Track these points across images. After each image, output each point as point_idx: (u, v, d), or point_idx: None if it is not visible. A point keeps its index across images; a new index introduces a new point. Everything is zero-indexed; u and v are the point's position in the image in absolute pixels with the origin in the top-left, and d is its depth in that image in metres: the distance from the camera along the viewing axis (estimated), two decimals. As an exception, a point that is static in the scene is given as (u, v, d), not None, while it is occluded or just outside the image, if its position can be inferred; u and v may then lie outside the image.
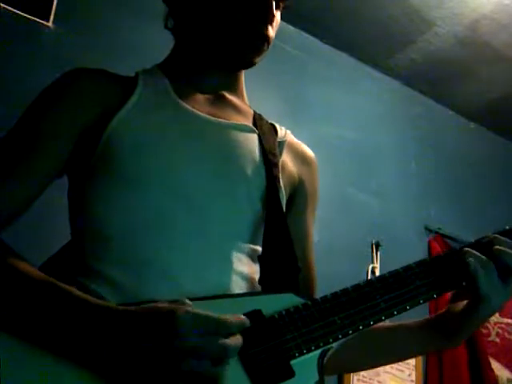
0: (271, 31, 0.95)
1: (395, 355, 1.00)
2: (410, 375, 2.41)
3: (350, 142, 2.74)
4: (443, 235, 2.81)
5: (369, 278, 2.50)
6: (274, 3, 0.93)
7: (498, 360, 2.66)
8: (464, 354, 2.55)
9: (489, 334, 2.72)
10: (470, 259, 0.81)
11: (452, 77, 2.97)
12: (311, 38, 2.79)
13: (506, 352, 2.71)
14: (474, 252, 0.82)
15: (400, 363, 2.37)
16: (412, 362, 2.43)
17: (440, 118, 3.15)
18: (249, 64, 0.97)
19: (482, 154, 3.21)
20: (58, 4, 2.09)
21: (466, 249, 0.83)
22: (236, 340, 0.68)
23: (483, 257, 0.82)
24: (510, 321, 2.80)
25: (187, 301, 0.68)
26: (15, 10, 2.01)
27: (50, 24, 2.07)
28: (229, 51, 0.95)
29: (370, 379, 2.29)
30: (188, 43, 0.99)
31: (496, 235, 0.85)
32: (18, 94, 1.91)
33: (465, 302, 0.88)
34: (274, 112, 2.56)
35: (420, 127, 3.03)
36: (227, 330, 0.67)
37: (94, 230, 0.83)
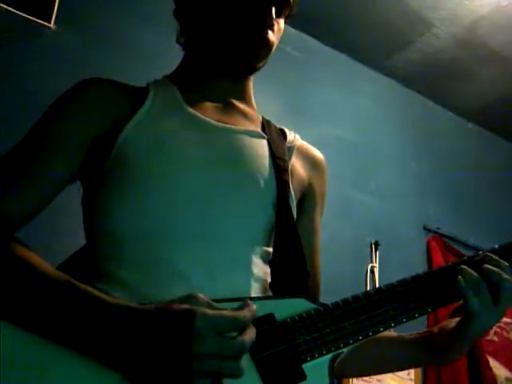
0: (272, 36, 0.96)
1: (384, 367, 1.01)
2: (408, 374, 2.42)
3: (349, 143, 2.76)
4: (442, 235, 2.83)
5: (368, 277, 2.51)
6: (273, 9, 0.95)
7: (497, 359, 2.67)
8: (463, 353, 2.56)
9: (487, 333, 2.73)
10: (459, 277, 0.83)
11: (450, 78, 2.98)
12: (311, 40, 2.81)
13: (505, 351, 2.72)
14: (468, 269, 0.84)
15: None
16: (411, 360, 2.44)
17: (439, 119, 3.16)
18: (251, 69, 0.99)
19: (480, 154, 3.22)
20: (59, 5, 2.10)
21: (462, 266, 0.84)
22: (251, 333, 0.70)
23: (475, 274, 0.83)
24: (508, 320, 2.81)
25: (200, 296, 0.70)
26: (17, 12, 2.02)
27: (51, 25, 2.08)
28: (232, 57, 0.97)
29: (369, 377, 2.30)
30: (196, 53, 1.02)
31: (487, 253, 0.86)
32: (19, 94, 1.93)
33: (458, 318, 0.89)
34: (275, 113, 2.57)
35: (419, 128, 3.05)
36: (243, 325, 0.69)
37: (107, 234, 0.85)
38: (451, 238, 2.84)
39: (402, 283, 0.84)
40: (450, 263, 0.87)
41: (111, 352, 0.69)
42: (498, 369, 2.64)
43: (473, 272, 0.83)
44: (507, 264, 0.84)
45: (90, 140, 0.88)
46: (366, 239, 2.61)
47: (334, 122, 2.75)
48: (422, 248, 2.76)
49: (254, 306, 0.72)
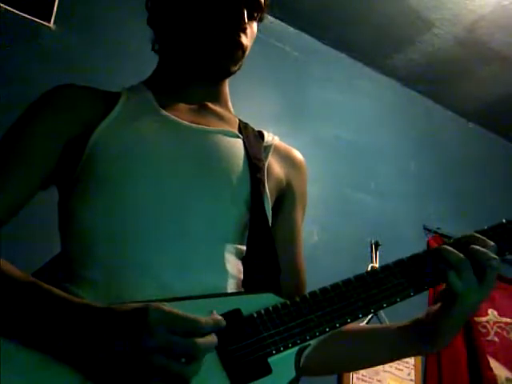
0: (245, 39, 0.97)
1: (373, 358, 1.00)
2: (409, 374, 2.42)
3: (349, 142, 2.76)
4: (442, 235, 2.82)
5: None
6: (245, 12, 0.96)
7: (497, 359, 2.67)
8: (463, 354, 2.56)
9: (488, 334, 2.73)
10: (444, 256, 0.83)
11: (451, 77, 2.98)
12: (311, 39, 2.80)
13: (505, 351, 2.72)
14: (451, 249, 0.83)
15: (399, 362, 2.38)
16: (411, 361, 2.44)
17: (439, 119, 3.16)
18: (225, 72, 1.00)
19: (481, 154, 3.22)
20: (59, 5, 2.10)
21: (444, 246, 0.84)
22: (209, 339, 0.69)
23: (460, 255, 0.82)
24: (508, 320, 2.81)
25: (164, 303, 0.70)
26: (17, 11, 2.02)
27: (51, 25, 2.08)
28: (206, 61, 0.97)
29: (369, 378, 2.30)
30: (171, 58, 1.02)
31: (474, 233, 0.86)
32: (19, 94, 1.92)
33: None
34: (274, 113, 2.58)
35: (419, 127, 3.05)
36: (199, 329, 0.69)
37: (78, 236, 0.86)
38: (451, 238, 2.83)
39: (372, 273, 0.84)
40: (421, 252, 0.87)
41: (71, 349, 0.69)
42: (498, 369, 2.64)
43: (454, 251, 0.82)
44: (493, 244, 0.84)
45: (61, 146, 0.90)
46: (366, 239, 2.61)
47: (334, 122, 2.75)
48: (422, 248, 2.69)
49: (221, 317, 0.72)
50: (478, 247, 0.83)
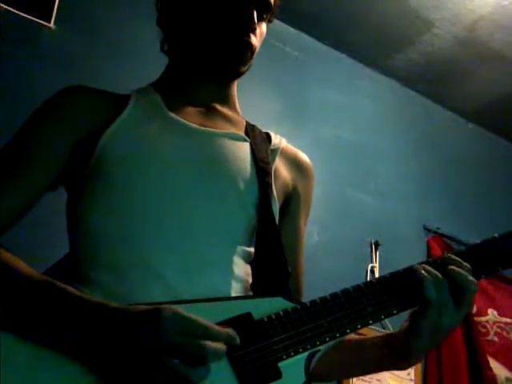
0: (254, 39, 0.97)
1: (349, 372, 0.99)
2: (409, 374, 2.42)
3: (349, 143, 2.76)
4: (442, 235, 2.83)
5: (368, 277, 2.52)
6: (255, 13, 0.96)
7: (497, 359, 2.67)
8: (463, 353, 2.57)
9: (487, 334, 2.73)
10: (418, 271, 0.81)
11: (450, 77, 2.98)
12: (311, 39, 2.81)
13: (505, 351, 2.72)
14: (428, 267, 0.81)
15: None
16: (411, 360, 2.44)
17: (438, 119, 3.16)
18: (234, 73, 1.00)
19: (481, 154, 3.23)
20: (59, 5, 2.10)
21: (422, 265, 0.82)
22: (218, 346, 0.69)
23: (437, 273, 0.80)
24: (508, 320, 2.81)
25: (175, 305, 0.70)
26: (17, 12, 2.02)
27: (51, 25, 2.08)
28: (215, 62, 0.97)
29: (369, 378, 2.30)
30: (180, 60, 1.02)
31: (450, 255, 0.84)
32: (19, 94, 1.92)
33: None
34: (274, 113, 2.58)
35: (419, 127, 3.05)
36: (210, 336, 0.69)
37: (86, 237, 0.86)
38: (451, 238, 2.84)
39: (381, 280, 0.83)
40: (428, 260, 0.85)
41: (84, 345, 0.70)
42: (498, 369, 2.64)
43: (434, 270, 0.81)
44: (469, 266, 0.82)
45: (69, 148, 0.90)
46: (366, 239, 2.61)
47: (334, 122, 2.75)
48: (422, 248, 2.76)
49: (234, 331, 0.72)
50: (456, 268, 0.81)
